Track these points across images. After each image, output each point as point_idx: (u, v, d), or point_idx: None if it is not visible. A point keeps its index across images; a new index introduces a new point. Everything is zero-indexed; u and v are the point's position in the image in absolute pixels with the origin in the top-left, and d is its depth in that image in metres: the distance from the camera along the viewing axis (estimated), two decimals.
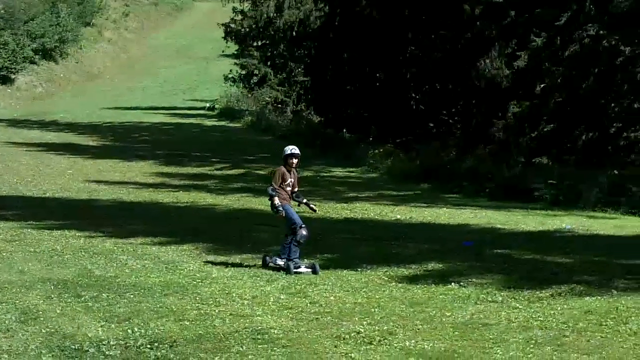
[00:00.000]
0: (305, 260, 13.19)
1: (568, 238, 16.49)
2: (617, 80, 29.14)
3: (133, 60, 70.52)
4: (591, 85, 28.80)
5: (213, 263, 13.18)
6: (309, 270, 12.69)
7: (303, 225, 12.80)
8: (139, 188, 22.20)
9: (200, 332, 9.31)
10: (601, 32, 28.93)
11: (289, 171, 13.19)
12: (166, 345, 8.72)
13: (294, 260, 12.78)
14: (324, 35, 37.73)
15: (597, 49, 28.85)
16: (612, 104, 29.40)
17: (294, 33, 41.55)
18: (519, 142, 29.91)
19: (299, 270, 12.65)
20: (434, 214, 19.48)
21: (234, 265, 13.10)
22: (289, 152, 13.18)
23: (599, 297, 11.12)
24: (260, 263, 13.25)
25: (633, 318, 10.11)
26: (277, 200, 12.76)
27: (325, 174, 27.77)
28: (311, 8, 40.16)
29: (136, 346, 8.67)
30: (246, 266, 13.10)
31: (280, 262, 12.88)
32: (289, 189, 13.11)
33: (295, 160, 13.24)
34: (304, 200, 13.41)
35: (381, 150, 30.08)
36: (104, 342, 8.73)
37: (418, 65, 33.82)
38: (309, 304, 10.72)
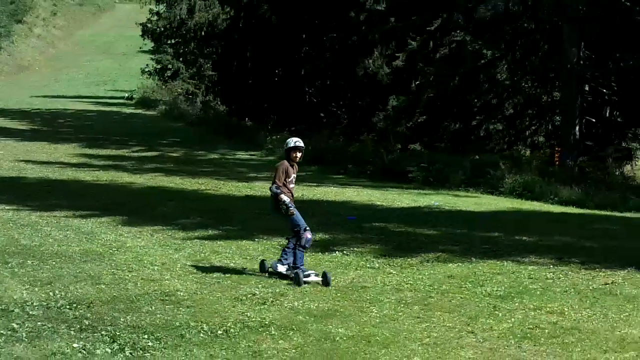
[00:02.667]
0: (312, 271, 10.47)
1: (436, 213, 16.71)
2: (480, 79, 29.69)
3: (60, 54, 69.34)
4: (458, 84, 29.31)
5: (128, 234, 12.97)
6: (319, 279, 10.10)
7: (307, 228, 10.39)
8: (63, 167, 21.70)
9: (114, 294, 9.17)
10: (467, 37, 29.41)
11: (292, 166, 10.63)
12: (84, 306, 8.57)
13: (301, 268, 10.20)
14: (230, 35, 37.72)
15: (463, 52, 29.32)
16: (475, 100, 29.96)
17: (203, 33, 41.26)
18: (397, 131, 30.27)
19: (308, 279, 10.07)
20: (323, 192, 19.56)
21: (146, 235, 12.91)
22: (292, 144, 10.58)
23: (460, 264, 11.34)
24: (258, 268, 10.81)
25: (487, 281, 10.34)
26: (285, 197, 10.31)
27: (229, 157, 27.62)
28: (219, 11, 39.96)
29: (57, 307, 8.50)
30: (157, 236, 12.92)
31: (282, 268, 10.36)
32: (292, 185, 10.60)
33: (299, 154, 10.61)
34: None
35: (278, 136, 29.99)
36: (27, 303, 8.53)
37: (311, 63, 33.92)
38: (211, 270, 10.65)
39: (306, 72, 34.59)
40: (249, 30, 35.92)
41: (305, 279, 10.03)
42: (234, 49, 37.05)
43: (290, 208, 10.33)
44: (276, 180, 10.37)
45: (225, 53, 38.43)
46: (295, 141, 10.62)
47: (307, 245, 10.36)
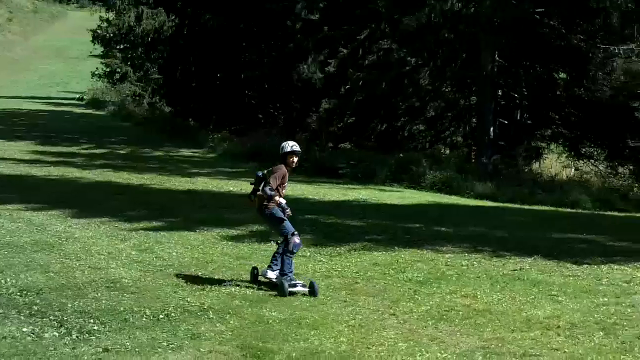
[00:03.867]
0: (299, 280, 9.42)
1: (363, 206, 16.78)
2: (405, 84, 29.87)
3: (16, 58, 67.88)
4: (384, 88, 29.40)
5: (76, 225, 12.76)
6: (306, 289, 9.02)
7: (295, 233, 9.30)
8: (16, 163, 21.24)
9: (63, 282, 9.01)
10: (393, 46, 29.56)
11: (288, 171, 9.41)
12: (34, 293, 8.41)
13: (289, 275, 9.12)
14: (175, 42, 37.41)
15: (390, 59, 29.47)
16: (400, 103, 30.14)
17: (150, 39, 40.75)
18: (329, 131, 30.32)
19: (294, 289, 8.98)
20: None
21: (94, 227, 12.72)
22: (289, 149, 9.27)
23: (384, 252, 11.41)
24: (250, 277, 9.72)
25: (409, 268, 10.42)
26: (281, 200, 9.38)
27: (173, 154, 27.32)
28: (165, 19, 39.50)
29: (8, 294, 8.33)
30: (104, 228, 12.73)
31: (272, 274, 9.33)
32: (284, 192, 9.52)
33: (296, 159, 9.36)
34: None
35: (219, 135, 29.89)
36: None
37: (251, 68, 33.78)
38: (155, 259, 10.55)
39: (246, 77, 34.45)
40: (192, 37, 35.71)
41: (290, 289, 8.93)
42: (179, 54, 36.79)
43: (287, 210, 9.45)
44: (271, 183, 9.21)
45: (171, 58, 38.15)
46: (291, 145, 9.33)
47: (294, 250, 9.28)
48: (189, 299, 8.51)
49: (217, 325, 7.64)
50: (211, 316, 7.91)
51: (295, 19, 32.29)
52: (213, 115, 33.81)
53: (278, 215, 9.33)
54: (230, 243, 11.81)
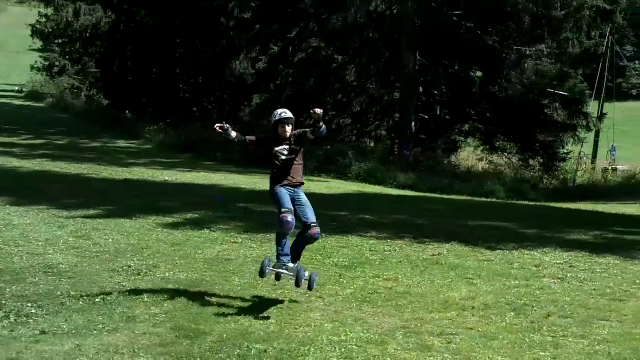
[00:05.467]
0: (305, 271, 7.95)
1: None
2: (332, 81, 29.95)
3: None
4: (313, 84, 29.45)
5: (15, 213, 12.43)
6: (290, 274, 7.74)
7: (285, 210, 7.60)
8: None
9: (1, 267, 8.78)
10: (321, 44, 29.60)
11: (282, 142, 7.78)
12: None
13: (280, 257, 7.79)
14: (112, 37, 36.86)
15: (318, 56, 29.51)
16: (328, 98, 30.18)
17: (88, 34, 40.02)
18: (260, 123, 30.18)
19: (279, 270, 7.78)
20: (194, 176, 19.31)
21: (32, 214, 12.40)
22: (277, 117, 7.79)
23: None
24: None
25: (335, 253, 10.44)
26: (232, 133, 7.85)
27: (110, 145, 26.89)
28: (102, 15, 38.84)
29: None
30: (42, 215, 12.43)
31: (291, 264, 7.81)
32: (282, 157, 7.76)
33: (288, 128, 7.76)
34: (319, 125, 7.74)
35: (155, 127, 29.56)
36: None
37: (185, 63, 33.48)
38: (91, 245, 10.34)
39: (180, 71, 34.15)
40: (129, 32, 35.27)
41: (270, 268, 7.73)
42: (116, 48, 36.29)
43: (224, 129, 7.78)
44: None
45: (108, 52, 37.59)
46: (280, 113, 7.80)
47: (283, 231, 7.68)
48: (124, 284, 8.37)
49: (152, 308, 7.53)
50: (146, 300, 7.79)
51: (228, 17, 32.05)
52: (149, 107, 33.44)
53: (279, 193, 7.76)
54: (165, 230, 11.64)
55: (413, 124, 27.73)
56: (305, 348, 6.48)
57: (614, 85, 48.30)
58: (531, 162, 29.23)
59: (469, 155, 31.46)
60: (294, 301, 8.03)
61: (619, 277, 9.51)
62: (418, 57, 28.08)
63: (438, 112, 30.02)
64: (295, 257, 7.92)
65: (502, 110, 28.72)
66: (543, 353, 6.55)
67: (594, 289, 8.88)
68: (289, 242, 7.90)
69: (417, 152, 26.87)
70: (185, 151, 25.30)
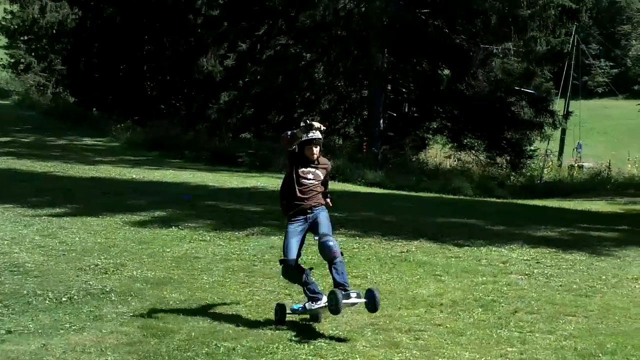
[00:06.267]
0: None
1: (261, 193, 16.75)
2: (300, 78, 29.93)
3: None
4: (281, 82, 29.41)
5: None
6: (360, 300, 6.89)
7: (285, 259, 7.09)
8: None
9: None
10: (289, 42, 29.57)
11: (308, 164, 7.05)
12: None
13: (310, 299, 7.09)
14: (79, 34, 36.38)
15: (286, 54, 29.47)
16: (296, 96, 30.19)
17: (54, 31, 39.52)
18: (228, 121, 30.11)
19: (311, 307, 7.09)
20: (162, 174, 19.17)
21: None
22: (307, 136, 6.92)
23: (281, 236, 11.20)
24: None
25: (303, 251, 10.38)
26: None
27: (77, 143, 26.63)
28: (68, 12, 38.36)
29: None
30: (8, 214, 12.27)
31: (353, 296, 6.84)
32: (308, 181, 7.03)
33: (315, 150, 7.00)
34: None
35: (122, 125, 29.32)
36: None
37: (153, 61, 33.25)
38: (58, 243, 10.25)
39: (148, 69, 33.92)
40: (95, 29, 34.86)
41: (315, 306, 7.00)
42: (82, 46, 35.87)
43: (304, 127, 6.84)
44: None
45: (74, 49, 37.15)
46: (311, 133, 6.92)
47: (285, 278, 7.30)
48: (91, 282, 8.30)
49: (119, 307, 7.48)
50: (113, 298, 7.74)
51: (196, 15, 31.88)
52: (116, 105, 33.15)
53: (288, 233, 7.24)
54: (132, 228, 11.57)
55: (381, 121, 27.79)
56: (274, 346, 6.48)
57: (580, 84, 48.91)
58: (498, 159, 29.45)
59: (437, 153, 31.63)
60: (264, 299, 8.02)
61: (585, 273, 9.64)
62: (386, 55, 28.15)
63: (406, 110, 30.14)
64: (338, 284, 6.80)
65: (470, 108, 28.90)
66: (510, 349, 6.60)
67: (561, 285, 8.98)
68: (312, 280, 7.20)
69: (385, 150, 26.94)
70: (153, 149, 25.13)
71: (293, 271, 7.08)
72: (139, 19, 33.22)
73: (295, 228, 7.15)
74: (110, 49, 33.94)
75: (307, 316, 7.27)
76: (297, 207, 7.10)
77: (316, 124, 6.85)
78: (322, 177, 7.15)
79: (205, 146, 25.62)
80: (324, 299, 6.97)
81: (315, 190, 7.11)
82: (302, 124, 6.88)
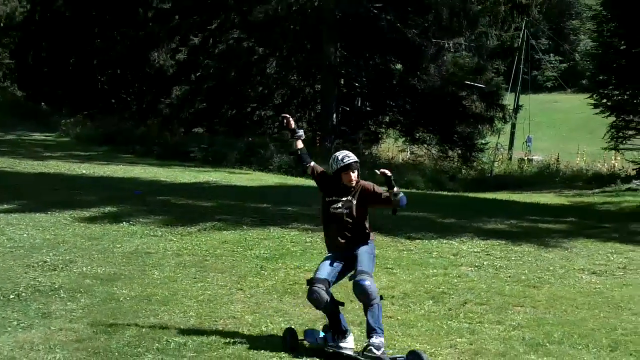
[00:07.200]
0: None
1: (213, 188, 16.66)
2: (253, 72, 29.84)
3: None
4: (234, 76, 29.29)
5: None
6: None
7: (315, 278, 6.15)
8: None
9: None
10: (242, 35, 29.46)
11: (342, 189, 6.29)
12: None
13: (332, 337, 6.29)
14: (27, 27, 35.82)
15: (239, 48, 29.36)
16: (249, 90, 30.10)
17: (2, 24, 38.79)
18: (180, 116, 29.91)
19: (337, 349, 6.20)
20: (112, 169, 18.93)
21: None
22: (339, 164, 6.28)
23: (233, 231, 11.35)
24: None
25: (256, 245, 10.43)
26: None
27: (25, 138, 26.16)
28: (17, 5, 37.71)
29: None
30: None
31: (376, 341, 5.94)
32: (337, 209, 6.24)
33: (353, 175, 6.27)
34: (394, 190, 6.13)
35: (72, 119, 28.90)
36: None
37: (103, 55, 32.83)
38: (5, 240, 10.08)
39: (98, 62, 33.47)
40: (44, 22, 34.38)
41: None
42: (31, 39, 35.30)
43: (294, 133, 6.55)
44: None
45: (23, 43, 36.55)
46: (341, 158, 6.28)
47: (311, 303, 6.23)
48: (40, 279, 8.19)
49: (68, 304, 7.39)
50: (62, 295, 7.65)
51: (147, 7, 31.57)
52: (65, 99, 32.68)
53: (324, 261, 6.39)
54: (82, 224, 11.42)
55: (334, 116, 27.86)
56: (226, 340, 6.46)
57: (529, 78, 49.58)
58: (450, 153, 29.75)
59: (390, 147, 31.82)
60: (215, 294, 7.99)
61: (534, 265, 9.80)
62: (339, 50, 28.21)
63: (359, 104, 30.25)
64: (370, 330, 6.04)
65: (422, 102, 29.14)
66: (460, 339, 6.69)
67: (510, 276, 9.12)
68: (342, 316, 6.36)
69: (338, 144, 26.99)
70: (104, 144, 24.83)
71: (319, 292, 6.07)
72: (88, 12, 32.82)
73: (331, 256, 6.36)
74: (59, 42, 33.49)
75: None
76: (329, 238, 6.38)
77: (291, 124, 6.54)
78: (355, 207, 6.23)
79: (156, 141, 25.37)
80: (351, 339, 6.26)
81: (347, 221, 6.21)
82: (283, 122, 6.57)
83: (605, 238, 11.93)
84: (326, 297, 6.09)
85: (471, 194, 20.68)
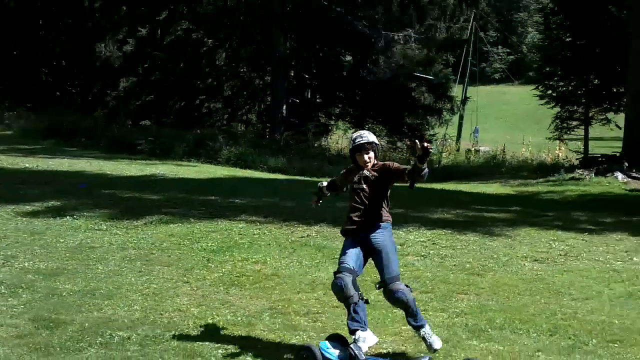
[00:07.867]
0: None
1: (160, 181, 16.47)
2: (202, 64, 29.68)
3: None
4: (183, 67, 29.12)
5: None
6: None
7: (340, 267, 5.81)
8: None
9: None
10: (191, 27, 29.28)
11: (361, 168, 6.05)
12: None
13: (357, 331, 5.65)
14: None
15: (188, 40, 29.19)
16: (198, 82, 29.95)
17: None
18: (128, 108, 29.61)
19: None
20: (57, 163, 18.61)
21: None
22: (352, 143, 6.05)
23: (180, 224, 11.26)
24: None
25: (203, 238, 10.36)
26: (324, 183, 6.71)
27: None
28: None
29: None
30: None
31: (435, 343, 5.87)
32: (362, 188, 6.05)
33: (367, 157, 6.00)
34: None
35: (15, 112, 28.41)
36: None
37: (48, 46, 32.33)
38: None
39: (43, 54, 32.95)
40: None
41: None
42: None
43: (320, 188, 6.65)
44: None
45: None
46: (355, 138, 6.05)
47: (334, 291, 5.84)
48: None
49: (9, 299, 7.27)
50: (3, 291, 7.52)
51: None
52: (9, 91, 32.12)
53: (345, 246, 6.10)
54: (24, 219, 11.21)
55: (284, 107, 27.87)
56: (171, 333, 6.43)
57: (478, 70, 50.17)
58: (399, 144, 29.98)
59: (339, 139, 31.93)
60: (161, 287, 7.95)
61: (478, 253, 9.94)
62: (289, 41, 28.21)
63: (309, 96, 30.30)
64: (416, 328, 5.94)
65: (372, 93, 29.32)
66: (405, 327, 6.73)
67: (455, 265, 9.24)
68: (364, 306, 5.81)
69: (288, 136, 27.04)
70: (48, 137, 24.44)
71: (345, 281, 5.70)
72: (33, 3, 32.25)
73: (350, 240, 6.03)
74: (2, 33, 32.85)
75: None
76: (350, 213, 6.11)
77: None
78: (373, 182, 6.04)
79: (103, 133, 25.08)
80: (370, 334, 5.76)
81: (365, 196, 6.06)
82: None
83: (548, 226, 12.15)
84: (349, 287, 5.72)
85: (419, 185, 20.81)
